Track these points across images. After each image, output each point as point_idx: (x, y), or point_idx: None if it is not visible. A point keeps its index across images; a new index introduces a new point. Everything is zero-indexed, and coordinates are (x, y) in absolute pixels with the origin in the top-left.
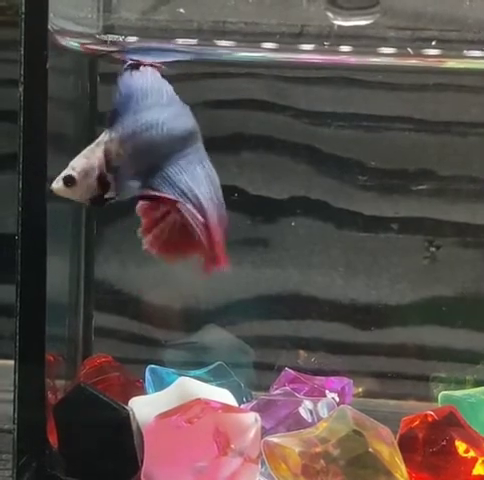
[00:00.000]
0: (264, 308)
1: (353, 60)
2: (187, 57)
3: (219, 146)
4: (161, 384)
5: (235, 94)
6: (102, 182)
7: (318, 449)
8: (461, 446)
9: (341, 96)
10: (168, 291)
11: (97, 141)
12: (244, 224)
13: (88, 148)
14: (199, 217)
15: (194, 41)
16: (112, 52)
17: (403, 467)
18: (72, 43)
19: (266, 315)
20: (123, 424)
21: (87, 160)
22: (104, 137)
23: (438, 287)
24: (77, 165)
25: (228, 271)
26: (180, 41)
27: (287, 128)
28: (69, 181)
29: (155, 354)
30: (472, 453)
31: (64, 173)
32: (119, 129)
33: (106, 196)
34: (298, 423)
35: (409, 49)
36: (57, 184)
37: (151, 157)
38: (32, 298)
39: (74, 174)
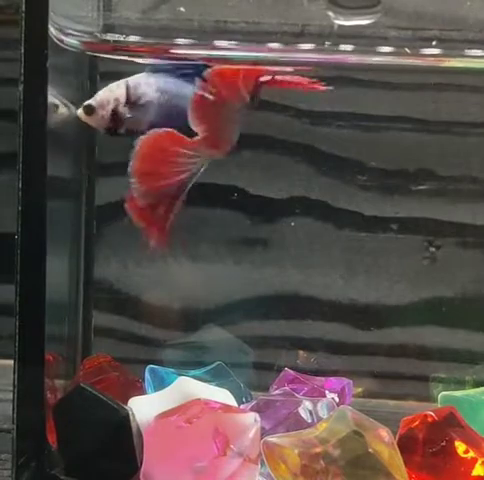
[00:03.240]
0: (263, 308)
1: (354, 60)
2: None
3: None
4: (160, 384)
5: None
6: (115, 116)
7: (318, 449)
8: (461, 446)
9: (341, 96)
10: (167, 291)
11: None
12: (244, 224)
13: (117, 82)
14: None
15: (195, 40)
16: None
17: (403, 468)
18: (72, 42)
19: (265, 315)
20: (122, 424)
21: (110, 93)
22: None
23: (438, 287)
24: (99, 96)
25: (228, 271)
26: (180, 40)
27: (287, 128)
28: (88, 110)
29: (154, 354)
30: (472, 454)
31: (87, 102)
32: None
33: (119, 131)
34: (298, 423)
35: (407, 49)
36: (80, 111)
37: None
38: (31, 298)
39: (93, 104)
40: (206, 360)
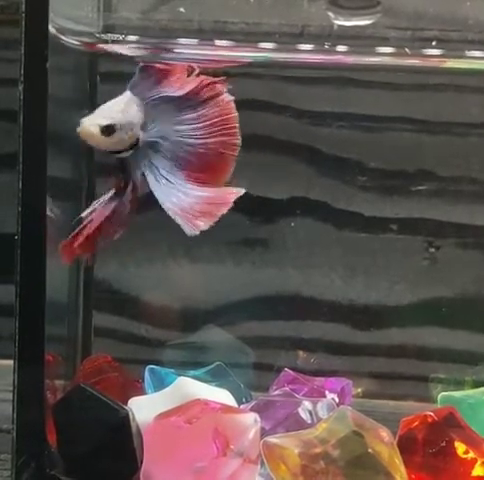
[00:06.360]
0: (263, 308)
1: (354, 60)
2: (188, 57)
3: None
4: (160, 384)
5: (235, 94)
6: (133, 141)
7: (318, 450)
8: (460, 447)
9: (341, 96)
10: (167, 291)
11: (126, 98)
12: (244, 224)
13: (120, 102)
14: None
15: (194, 41)
16: None
17: (402, 468)
18: (72, 42)
19: (265, 315)
20: (122, 424)
21: (123, 115)
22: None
23: (438, 288)
24: (116, 118)
25: (228, 271)
26: (180, 41)
27: (287, 128)
28: (108, 131)
29: (154, 354)
30: (471, 454)
31: (102, 121)
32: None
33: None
34: (297, 424)
35: (407, 49)
36: (93, 129)
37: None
38: (31, 298)
39: (116, 126)
40: (206, 360)
